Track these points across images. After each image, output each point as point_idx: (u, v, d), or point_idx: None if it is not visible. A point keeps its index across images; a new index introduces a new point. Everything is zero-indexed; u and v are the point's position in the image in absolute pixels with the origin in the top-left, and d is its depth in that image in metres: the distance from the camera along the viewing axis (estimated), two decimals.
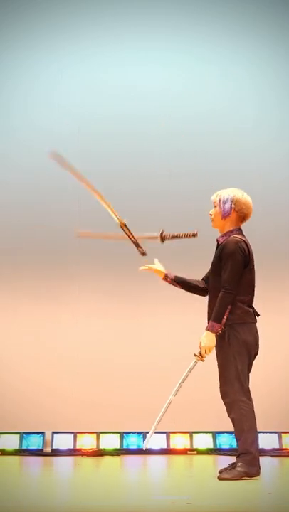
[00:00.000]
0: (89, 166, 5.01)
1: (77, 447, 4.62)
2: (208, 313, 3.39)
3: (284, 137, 5.23)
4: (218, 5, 5.27)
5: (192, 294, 3.55)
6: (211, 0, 5.30)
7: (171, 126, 5.15)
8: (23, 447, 4.60)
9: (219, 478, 3.18)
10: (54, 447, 4.61)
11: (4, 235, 5.05)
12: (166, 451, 4.58)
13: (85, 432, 4.66)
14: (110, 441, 4.63)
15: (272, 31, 5.28)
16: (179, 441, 4.59)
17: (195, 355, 3.31)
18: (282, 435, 4.65)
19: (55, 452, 4.59)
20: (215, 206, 3.47)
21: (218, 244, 3.45)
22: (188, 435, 4.55)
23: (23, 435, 4.61)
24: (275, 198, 5.11)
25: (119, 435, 4.63)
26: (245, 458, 3.21)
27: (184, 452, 4.55)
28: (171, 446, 4.59)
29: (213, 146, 5.16)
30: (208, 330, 3.27)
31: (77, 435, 4.64)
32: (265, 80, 5.29)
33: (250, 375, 3.36)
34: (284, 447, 4.61)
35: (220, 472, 3.26)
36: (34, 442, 4.61)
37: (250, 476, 3.19)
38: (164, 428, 4.31)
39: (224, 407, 3.32)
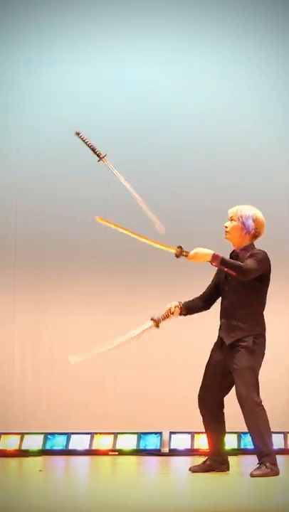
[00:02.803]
0: (89, 164, 5.13)
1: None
2: (226, 323, 3.47)
3: (285, 137, 5.21)
4: (218, 5, 5.26)
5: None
6: (211, 0, 5.28)
7: (172, 126, 5.14)
8: (141, 447, 4.69)
9: (251, 475, 3.32)
10: (171, 447, 4.70)
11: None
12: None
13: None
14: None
15: (272, 31, 5.26)
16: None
17: (151, 318, 3.51)
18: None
19: (173, 452, 4.67)
20: (232, 220, 3.59)
21: (237, 258, 3.55)
22: None
23: (140, 435, 4.70)
24: (276, 197, 5.10)
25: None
26: (270, 458, 3.37)
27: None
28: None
29: (214, 145, 5.15)
30: (212, 255, 3.37)
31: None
32: (266, 80, 5.27)
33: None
34: None
35: (191, 469, 3.46)
36: (152, 442, 4.73)
37: (277, 474, 3.35)
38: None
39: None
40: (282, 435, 4.66)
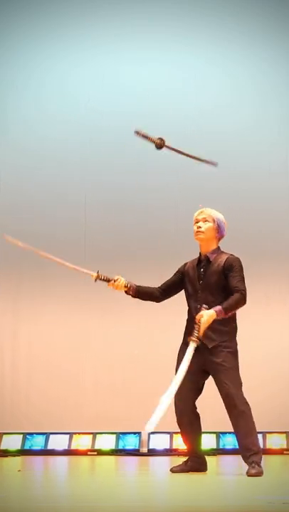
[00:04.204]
0: (90, 162, 5.11)
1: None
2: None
3: (285, 137, 5.21)
4: (218, 5, 5.27)
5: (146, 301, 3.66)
6: (211, 0, 5.29)
7: (172, 126, 5.10)
8: (120, 447, 4.69)
9: (248, 474, 3.31)
10: (150, 447, 4.71)
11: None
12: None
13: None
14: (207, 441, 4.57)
15: (272, 31, 5.27)
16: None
17: (191, 339, 3.37)
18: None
19: (151, 452, 4.68)
20: (206, 221, 3.58)
21: (208, 260, 3.55)
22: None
23: (119, 435, 4.70)
24: (275, 197, 5.12)
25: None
26: (258, 456, 3.39)
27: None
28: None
29: (213, 145, 5.13)
30: (215, 311, 3.38)
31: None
32: (266, 80, 5.28)
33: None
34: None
35: (172, 469, 3.47)
36: (130, 442, 4.72)
37: (262, 474, 3.35)
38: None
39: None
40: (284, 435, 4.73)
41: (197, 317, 3.39)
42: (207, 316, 3.37)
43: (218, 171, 4.98)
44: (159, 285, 3.64)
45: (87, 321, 4.99)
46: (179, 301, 3.63)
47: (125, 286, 3.54)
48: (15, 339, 5.00)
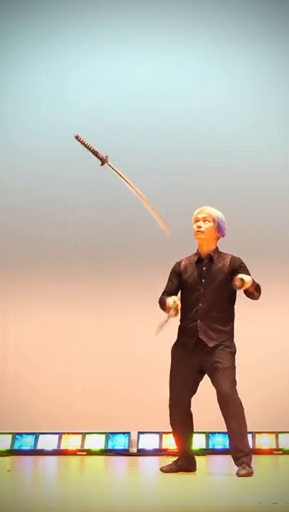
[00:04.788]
0: (91, 162, 5.11)
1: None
2: (205, 326, 3.46)
3: (285, 137, 5.22)
4: (218, 5, 5.27)
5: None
6: (211, 0, 5.29)
7: (172, 126, 5.15)
8: (109, 447, 4.69)
9: (238, 475, 3.31)
10: (140, 447, 4.70)
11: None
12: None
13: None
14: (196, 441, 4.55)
15: (272, 31, 5.27)
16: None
17: (236, 281, 3.38)
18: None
19: (141, 452, 4.65)
20: (206, 221, 3.57)
21: (210, 259, 3.55)
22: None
23: (108, 435, 4.68)
24: (275, 197, 5.12)
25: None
26: (249, 457, 3.39)
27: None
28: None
29: (214, 145, 5.16)
30: (253, 280, 3.42)
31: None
32: (266, 80, 5.28)
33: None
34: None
35: (162, 469, 3.47)
36: (120, 442, 4.72)
37: (252, 474, 3.35)
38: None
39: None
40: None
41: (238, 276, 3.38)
42: (249, 277, 3.41)
43: (218, 171, 5.07)
44: (164, 291, 3.60)
45: (76, 320, 4.98)
46: None
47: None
48: (3, 339, 4.99)
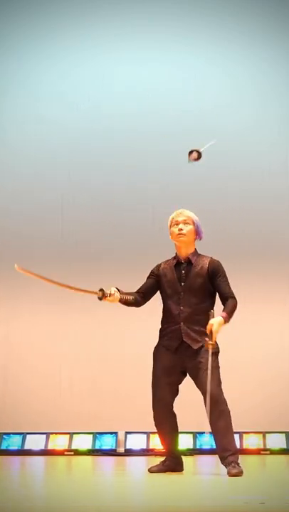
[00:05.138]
0: (91, 162, 5.09)
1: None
2: (188, 328, 3.47)
3: (284, 137, 5.22)
4: (218, 5, 5.27)
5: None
6: (211, 0, 5.29)
7: (172, 126, 5.15)
8: (96, 447, 4.68)
9: (229, 475, 3.31)
10: (127, 447, 4.70)
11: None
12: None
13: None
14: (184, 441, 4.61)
15: (272, 31, 5.28)
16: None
17: (209, 346, 3.38)
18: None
19: (128, 452, 4.65)
20: (187, 223, 3.58)
21: (189, 262, 3.56)
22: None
23: (96, 435, 4.69)
24: (274, 197, 5.13)
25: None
26: (236, 457, 3.41)
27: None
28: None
29: (213, 145, 5.19)
30: (224, 318, 3.42)
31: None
32: (266, 80, 5.29)
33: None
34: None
35: (150, 470, 3.47)
36: (107, 442, 4.71)
37: (242, 473, 3.36)
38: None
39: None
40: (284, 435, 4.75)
41: (208, 327, 3.40)
42: (217, 323, 3.41)
43: (218, 171, 5.07)
44: (137, 289, 3.62)
45: (64, 320, 4.98)
46: (152, 301, 3.64)
47: (120, 300, 3.53)
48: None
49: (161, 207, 4.92)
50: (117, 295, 3.51)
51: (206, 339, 3.39)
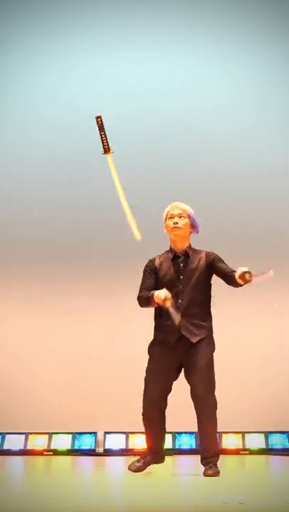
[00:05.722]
0: (91, 162, 4.97)
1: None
2: (186, 322, 3.39)
3: (284, 137, 5.21)
4: (218, 5, 5.27)
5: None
6: (211, 0, 5.29)
7: (172, 126, 5.14)
8: (76, 447, 4.66)
9: (205, 475, 3.29)
10: (106, 447, 4.66)
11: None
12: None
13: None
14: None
15: (272, 31, 5.27)
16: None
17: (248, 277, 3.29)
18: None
19: (107, 452, 4.61)
20: (182, 217, 3.52)
21: (187, 256, 3.50)
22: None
23: (75, 435, 4.68)
24: (274, 197, 5.11)
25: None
26: (216, 458, 3.39)
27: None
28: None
29: (214, 145, 5.15)
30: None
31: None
32: (266, 80, 5.28)
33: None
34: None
35: (130, 468, 3.39)
36: (86, 442, 4.66)
37: (219, 474, 3.34)
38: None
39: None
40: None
41: (241, 272, 3.28)
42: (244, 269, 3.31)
43: (218, 171, 5.06)
44: (141, 289, 3.50)
45: (43, 321, 4.94)
46: (135, 300, 3.55)
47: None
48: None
49: (160, 207, 4.86)
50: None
51: (247, 274, 3.25)
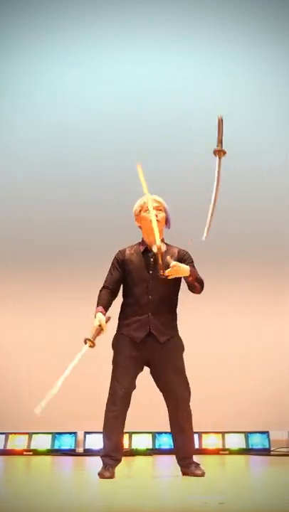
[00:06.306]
0: (91, 164, 5.05)
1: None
2: (155, 319, 3.30)
3: (284, 137, 5.18)
4: (218, 5, 5.25)
5: None
6: (211, 0, 5.27)
7: (172, 126, 5.12)
8: (56, 447, 4.63)
9: (196, 475, 3.26)
10: (86, 447, 4.62)
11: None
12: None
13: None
14: (143, 441, 4.57)
15: (272, 31, 5.25)
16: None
17: (162, 273, 3.19)
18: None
19: (87, 452, 4.56)
20: (160, 210, 3.43)
21: (165, 252, 3.38)
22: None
23: (55, 435, 4.65)
24: (274, 197, 5.08)
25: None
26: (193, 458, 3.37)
27: None
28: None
29: (214, 145, 5.08)
30: (190, 271, 3.27)
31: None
32: (266, 80, 5.26)
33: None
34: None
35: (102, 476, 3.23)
36: (66, 442, 4.65)
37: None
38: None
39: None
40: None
41: (172, 263, 3.19)
42: (181, 268, 3.24)
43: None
44: (105, 285, 3.41)
45: (20, 321, 4.88)
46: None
47: (107, 320, 3.36)
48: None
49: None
50: (104, 323, 3.31)
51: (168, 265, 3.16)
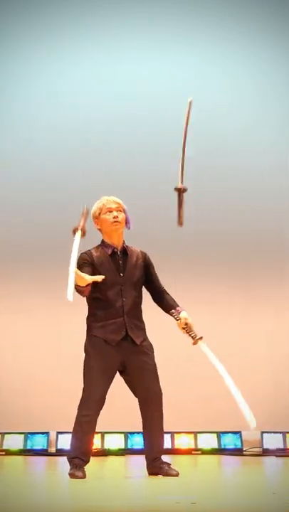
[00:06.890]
0: (90, 165, 5.06)
1: None
2: (130, 322, 3.33)
3: (284, 137, 5.19)
4: (218, 5, 5.25)
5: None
6: (211, 0, 5.28)
7: (171, 126, 5.03)
8: (28, 447, 4.63)
9: (171, 475, 3.26)
10: (58, 447, 4.61)
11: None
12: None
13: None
14: (115, 441, 4.60)
15: (272, 31, 5.25)
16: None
17: (199, 340, 3.29)
18: (287, 435, 4.69)
19: (60, 452, 4.53)
20: (120, 211, 3.41)
21: (125, 252, 3.39)
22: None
23: (27, 435, 4.64)
24: (274, 197, 5.08)
25: (123, 435, 4.61)
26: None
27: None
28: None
29: (214, 145, 5.14)
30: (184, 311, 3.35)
31: None
32: (266, 80, 5.27)
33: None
34: (288, 447, 4.66)
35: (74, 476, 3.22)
36: (39, 442, 4.65)
37: None
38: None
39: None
40: (281, 435, 4.71)
41: (186, 322, 3.30)
42: (188, 316, 3.33)
43: (218, 171, 5.03)
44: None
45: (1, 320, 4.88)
46: (82, 300, 3.45)
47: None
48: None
49: (161, 207, 4.82)
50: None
51: (192, 335, 3.27)
